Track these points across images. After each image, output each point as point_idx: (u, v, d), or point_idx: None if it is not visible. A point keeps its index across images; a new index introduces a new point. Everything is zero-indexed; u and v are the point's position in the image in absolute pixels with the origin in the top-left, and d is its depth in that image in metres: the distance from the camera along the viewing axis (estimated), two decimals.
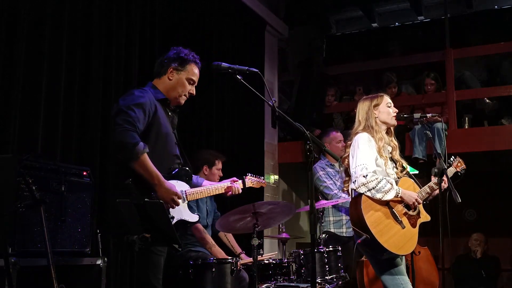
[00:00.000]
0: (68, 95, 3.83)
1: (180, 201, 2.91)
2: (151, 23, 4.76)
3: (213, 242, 4.11)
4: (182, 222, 2.98)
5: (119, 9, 4.36)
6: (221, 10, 5.89)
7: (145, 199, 2.60)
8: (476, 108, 6.91)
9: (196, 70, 3.14)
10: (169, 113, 3.12)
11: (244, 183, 3.45)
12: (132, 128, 2.75)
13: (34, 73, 3.58)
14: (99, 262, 3.15)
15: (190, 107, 4.99)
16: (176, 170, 3.00)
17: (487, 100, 6.76)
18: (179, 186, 2.95)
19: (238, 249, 4.50)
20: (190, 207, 3.10)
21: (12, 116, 3.38)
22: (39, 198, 2.60)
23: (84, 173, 3.21)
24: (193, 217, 3.05)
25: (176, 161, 3.06)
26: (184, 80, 3.09)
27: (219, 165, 4.44)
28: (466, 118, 6.50)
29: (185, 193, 3.01)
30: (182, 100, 3.14)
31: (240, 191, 3.37)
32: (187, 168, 3.09)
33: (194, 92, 3.16)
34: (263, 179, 3.66)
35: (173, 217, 2.87)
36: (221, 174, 4.46)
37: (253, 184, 3.57)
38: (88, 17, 4.07)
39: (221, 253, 4.13)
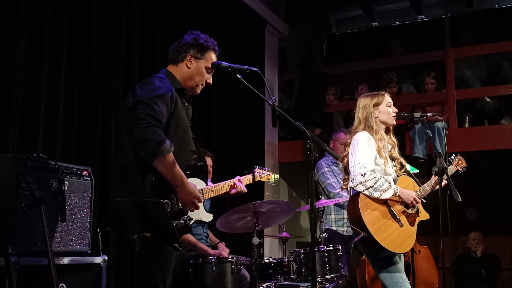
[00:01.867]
0: (68, 95, 3.83)
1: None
2: (151, 23, 4.76)
3: (196, 240, 4.10)
4: (197, 222, 2.86)
5: (119, 9, 4.36)
6: (222, 10, 5.90)
7: (146, 198, 2.56)
8: (476, 107, 6.91)
9: (215, 58, 2.92)
10: (185, 104, 2.91)
11: (254, 177, 3.28)
12: (157, 123, 2.53)
13: (34, 73, 3.59)
14: (99, 261, 3.14)
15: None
16: (195, 166, 2.83)
17: (488, 99, 6.76)
18: (198, 184, 2.78)
19: (215, 240, 4.46)
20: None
21: (12, 116, 3.38)
22: (39, 197, 2.60)
23: (85, 173, 3.21)
24: (208, 217, 2.90)
25: (193, 157, 2.85)
26: (203, 68, 2.88)
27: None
28: (467, 117, 6.50)
29: (202, 192, 2.81)
30: (199, 89, 2.94)
31: (245, 190, 3.13)
32: (204, 164, 2.91)
33: (211, 81, 2.96)
34: (268, 170, 3.52)
35: (191, 218, 2.71)
36: (211, 170, 4.35)
37: (261, 178, 3.39)
38: (88, 17, 4.07)
39: (206, 248, 4.11)
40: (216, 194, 2.99)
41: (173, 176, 2.57)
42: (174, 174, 2.57)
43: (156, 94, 2.61)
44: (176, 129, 2.74)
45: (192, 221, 2.77)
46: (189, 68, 2.87)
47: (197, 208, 2.71)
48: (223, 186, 3.02)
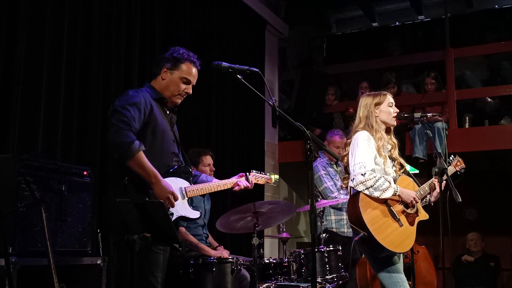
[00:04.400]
0: (68, 95, 3.83)
1: (179, 198, 2.92)
2: (151, 23, 4.76)
3: (197, 241, 4.10)
4: (182, 219, 3.00)
5: (119, 9, 4.35)
6: (222, 10, 5.89)
7: (146, 199, 2.60)
8: (477, 108, 6.91)
9: (193, 70, 3.13)
10: (167, 112, 3.13)
11: (247, 179, 3.37)
12: (127, 127, 2.77)
13: (34, 73, 3.58)
14: (99, 261, 3.14)
15: (190, 107, 4.99)
16: (175, 167, 3.01)
17: (489, 99, 6.75)
18: (178, 183, 2.96)
19: (215, 243, 4.47)
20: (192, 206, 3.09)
21: (12, 116, 3.38)
22: (39, 197, 2.59)
23: (85, 173, 3.21)
24: (194, 214, 3.03)
25: (174, 159, 3.06)
26: (177, 79, 3.09)
27: (205, 160, 4.35)
28: (467, 118, 6.50)
29: (185, 190, 3.01)
30: (177, 99, 3.14)
31: (249, 186, 3.32)
32: (186, 166, 3.10)
33: (190, 91, 3.16)
34: (268, 175, 3.58)
35: (172, 214, 2.88)
36: (213, 169, 4.36)
37: (257, 181, 3.48)
38: (88, 17, 4.06)
39: (207, 249, 4.12)
40: (202, 193, 3.18)
41: (146, 173, 2.78)
42: (146, 171, 2.78)
43: (129, 102, 2.88)
44: (153, 133, 2.96)
45: (174, 217, 2.88)
46: (163, 79, 3.11)
47: (172, 203, 2.86)
48: (210, 187, 3.19)
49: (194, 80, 3.16)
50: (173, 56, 3.11)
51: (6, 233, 2.64)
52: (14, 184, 2.74)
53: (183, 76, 3.10)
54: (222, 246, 4.33)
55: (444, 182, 3.48)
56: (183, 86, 3.11)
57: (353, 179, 3.24)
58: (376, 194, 3.18)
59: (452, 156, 3.78)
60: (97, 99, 4.05)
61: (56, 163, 3.02)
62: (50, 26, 3.73)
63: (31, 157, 2.87)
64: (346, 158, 3.44)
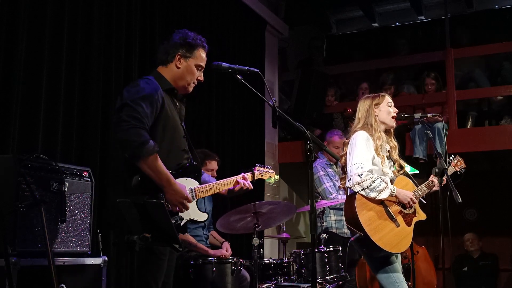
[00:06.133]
0: (68, 95, 3.83)
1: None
2: (151, 23, 4.76)
3: (195, 241, 4.09)
4: (191, 222, 2.85)
5: (119, 9, 4.35)
6: (222, 10, 5.90)
7: (146, 199, 2.56)
8: (479, 107, 6.90)
9: (204, 55, 2.94)
10: (177, 104, 2.91)
11: (253, 175, 3.20)
12: (140, 124, 2.55)
13: (34, 73, 3.58)
14: (99, 262, 3.14)
15: (191, 106, 4.99)
16: (187, 165, 2.83)
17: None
18: (188, 183, 2.79)
19: (220, 239, 4.44)
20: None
21: (12, 116, 3.38)
22: (39, 198, 2.59)
23: (85, 173, 3.20)
24: (202, 216, 2.87)
25: (185, 156, 2.86)
26: (193, 67, 2.89)
27: (209, 165, 4.29)
28: (470, 115, 6.49)
29: (194, 191, 2.82)
30: (191, 88, 2.94)
31: (251, 186, 3.10)
32: (196, 163, 2.92)
33: (203, 78, 2.96)
34: (271, 168, 3.41)
35: (182, 218, 2.72)
36: (215, 175, 4.27)
37: (262, 176, 3.31)
38: (88, 17, 4.06)
39: (206, 249, 4.10)
40: (211, 193, 2.96)
41: (158, 177, 2.59)
42: (159, 174, 2.59)
43: (141, 96, 2.63)
44: (164, 129, 2.75)
45: (184, 221, 2.76)
46: (178, 68, 2.88)
47: (186, 208, 2.71)
48: (218, 185, 2.99)
49: (205, 66, 2.96)
50: (186, 41, 2.88)
51: (6, 233, 2.64)
52: (14, 184, 2.73)
53: (198, 64, 2.90)
54: (228, 242, 4.30)
55: (444, 181, 3.49)
56: (197, 73, 2.92)
57: (350, 179, 3.24)
58: (373, 195, 3.18)
59: (452, 156, 3.78)
60: (97, 99, 4.05)
61: (56, 163, 3.02)
62: (50, 26, 3.72)
63: (31, 157, 2.87)
64: (343, 158, 3.44)
